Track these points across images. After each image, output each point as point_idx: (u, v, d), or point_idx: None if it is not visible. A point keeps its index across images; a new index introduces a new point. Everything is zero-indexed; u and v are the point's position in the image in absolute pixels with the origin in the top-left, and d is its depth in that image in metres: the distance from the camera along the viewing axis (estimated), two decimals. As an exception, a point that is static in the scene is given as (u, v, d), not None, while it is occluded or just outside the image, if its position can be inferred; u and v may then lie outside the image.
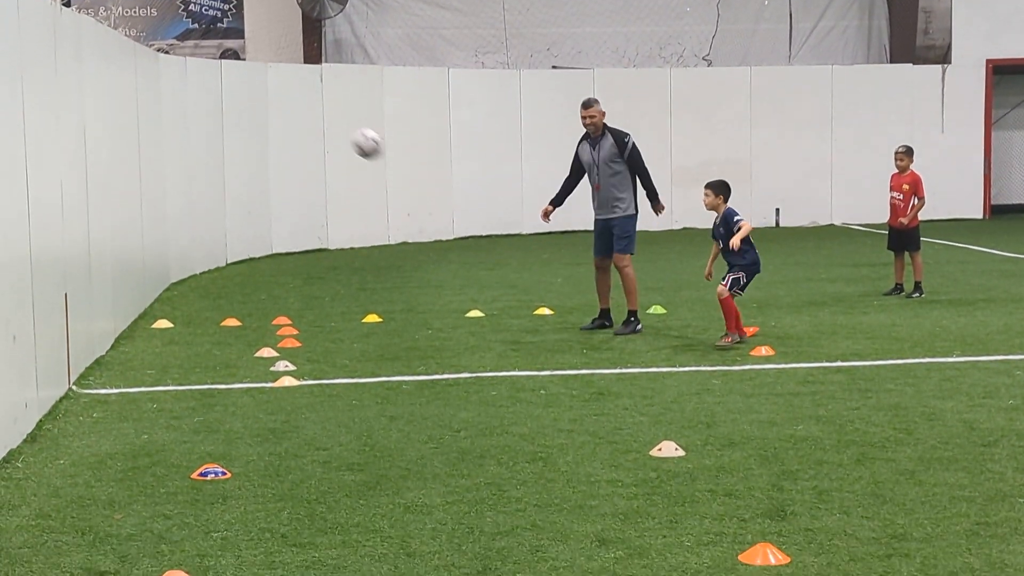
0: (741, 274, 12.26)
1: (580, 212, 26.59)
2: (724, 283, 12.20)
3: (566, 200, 13.85)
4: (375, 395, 10.07)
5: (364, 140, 11.99)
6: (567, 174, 13.74)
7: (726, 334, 12.11)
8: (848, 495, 7.10)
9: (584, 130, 13.45)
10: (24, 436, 8.60)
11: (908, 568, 5.90)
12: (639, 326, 13.14)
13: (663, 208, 13.49)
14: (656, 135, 26.59)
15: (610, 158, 13.20)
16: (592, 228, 13.64)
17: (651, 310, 14.36)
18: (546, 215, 13.85)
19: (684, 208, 25.05)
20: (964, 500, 6.97)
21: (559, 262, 20.67)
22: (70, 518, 6.86)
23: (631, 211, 13.30)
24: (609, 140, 13.26)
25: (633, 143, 13.27)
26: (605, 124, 13.36)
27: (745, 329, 12.44)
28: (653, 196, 13.40)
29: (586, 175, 13.49)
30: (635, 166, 13.26)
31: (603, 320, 13.43)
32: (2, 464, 7.92)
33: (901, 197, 15.78)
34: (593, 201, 13.43)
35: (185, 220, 18.53)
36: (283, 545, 6.36)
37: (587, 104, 13.41)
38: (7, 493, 7.35)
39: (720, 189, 12.48)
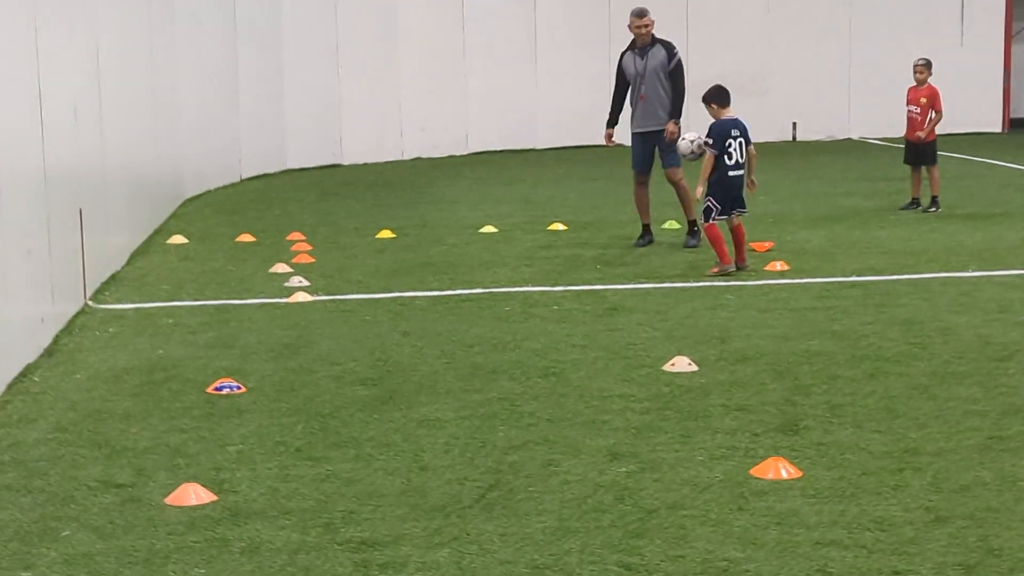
0: (709, 200, 11.52)
1: (592, 126, 26.50)
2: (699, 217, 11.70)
3: (620, 117, 13.58)
4: (388, 311, 10.09)
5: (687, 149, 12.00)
6: (613, 91, 13.51)
7: (716, 263, 11.53)
8: (861, 410, 7.11)
9: (628, 42, 13.31)
10: (41, 351, 8.64)
11: (920, 482, 5.92)
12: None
13: (674, 131, 12.92)
14: (672, 49, 26.38)
15: (659, 68, 13.09)
16: (631, 143, 13.44)
17: (665, 225, 14.32)
18: (609, 139, 13.67)
19: (702, 122, 24.84)
20: (977, 415, 6.98)
21: (573, 177, 20.62)
22: (87, 431, 6.91)
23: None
24: (660, 51, 13.15)
25: (680, 57, 13.20)
26: (654, 34, 13.25)
27: (759, 245, 12.35)
28: (677, 114, 13.11)
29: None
30: (676, 80, 13.11)
31: (650, 236, 13.35)
32: (19, 378, 7.97)
33: (918, 111, 15.67)
34: (634, 113, 13.27)
35: (199, 136, 18.47)
36: (297, 459, 6.40)
37: (641, 13, 13.22)
38: (25, 407, 7.40)
39: (712, 98, 11.87)
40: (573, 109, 25.40)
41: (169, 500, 5.80)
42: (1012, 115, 28.49)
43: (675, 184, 13.17)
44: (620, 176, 19.83)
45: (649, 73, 13.11)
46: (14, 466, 6.35)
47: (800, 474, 6.04)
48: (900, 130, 16.51)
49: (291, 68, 22.10)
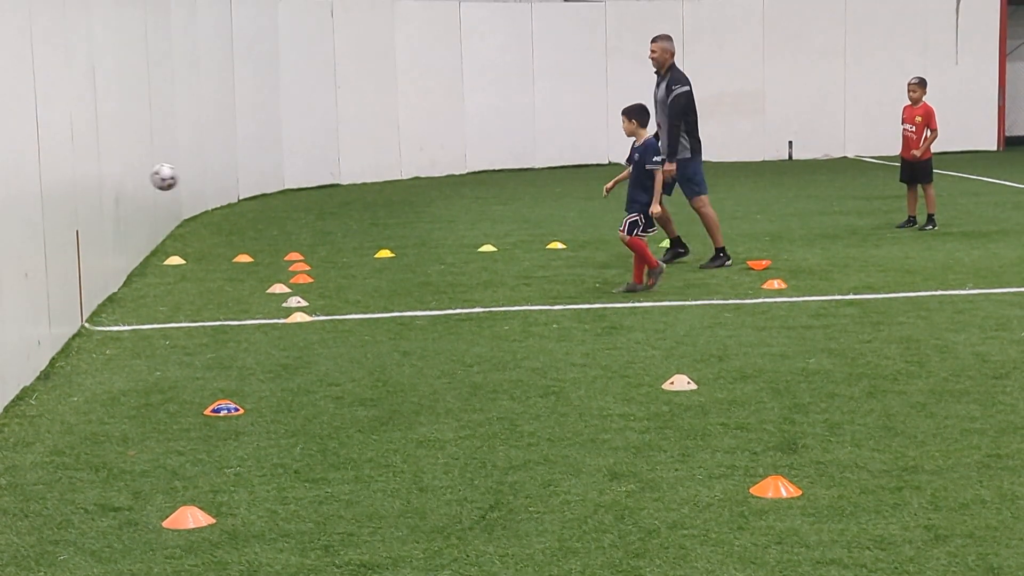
0: (638, 215, 11.58)
1: (593, 146, 26.58)
2: (622, 228, 11.66)
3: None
4: (387, 330, 10.08)
5: (155, 178, 12.11)
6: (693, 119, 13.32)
7: (647, 273, 11.57)
8: (859, 428, 7.11)
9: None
10: (37, 373, 8.63)
11: (919, 500, 5.91)
12: (728, 261, 13.02)
13: (672, 172, 12.72)
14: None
15: (664, 98, 13.04)
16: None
17: (663, 244, 14.32)
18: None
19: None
20: (975, 432, 6.97)
21: (572, 196, 20.63)
22: (84, 455, 6.89)
23: (686, 154, 13.03)
24: (665, 82, 13.05)
25: (680, 92, 12.86)
26: (672, 64, 13.11)
27: (757, 264, 12.38)
28: (670, 152, 12.79)
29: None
30: (671, 113, 12.88)
31: (676, 248, 13.40)
32: (16, 401, 7.96)
33: (913, 129, 15.69)
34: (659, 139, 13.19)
35: (197, 156, 18.48)
36: (296, 481, 6.39)
37: (654, 39, 13.21)
38: (21, 430, 7.39)
39: (635, 114, 11.76)
40: (571, 128, 25.46)
41: (167, 523, 5.78)
42: (1007, 133, 28.54)
43: (698, 211, 13.22)
44: (618, 195, 19.86)
45: (659, 102, 13.16)
46: (11, 490, 6.33)
47: (800, 493, 6.02)
48: (895, 148, 16.53)
49: (289, 88, 22.13)
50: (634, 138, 11.84)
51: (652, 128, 11.99)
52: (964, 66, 27.49)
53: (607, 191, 12.50)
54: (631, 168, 11.84)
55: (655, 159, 11.66)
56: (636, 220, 11.62)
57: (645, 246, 11.63)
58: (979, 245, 13.99)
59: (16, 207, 8.30)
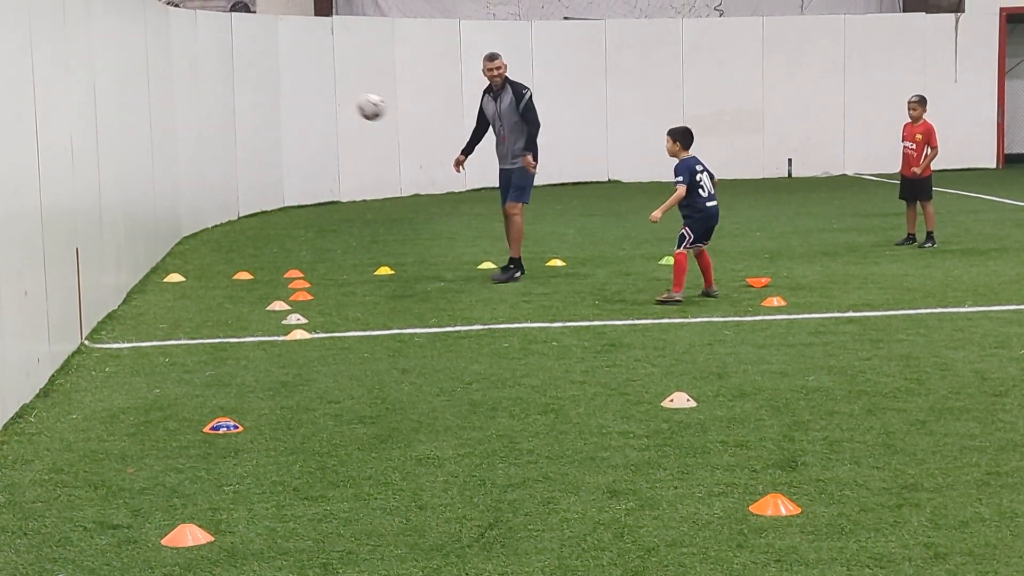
0: (684, 229, 11.98)
1: (593, 163, 26.60)
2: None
3: (475, 149, 14.30)
4: (387, 348, 10.08)
5: (366, 103, 12.19)
6: (474, 126, 14.15)
7: (667, 290, 12.01)
8: (859, 445, 7.10)
9: (486, 84, 13.85)
10: (36, 391, 8.62)
11: (919, 518, 5.91)
12: (518, 274, 13.51)
13: (532, 164, 13.47)
14: (669, 86, 26.53)
15: (511, 109, 13.59)
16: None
17: (663, 261, 14.34)
18: (459, 165, 14.23)
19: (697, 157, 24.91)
20: (975, 450, 6.97)
21: (571, 213, 20.64)
22: (83, 472, 6.89)
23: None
24: (509, 93, 13.65)
25: (530, 96, 13.61)
26: (507, 77, 13.77)
27: (756, 281, 12.39)
28: (529, 147, 13.48)
29: (491, 127, 13.90)
30: (528, 116, 13.55)
31: (519, 270, 13.71)
32: (15, 419, 7.95)
33: (914, 147, 15.70)
34: (497, 152, 13.86)
35: (196, 174, 18.50)
36: (295, 498, 6.38)
37: (493, 57, 13.80)
38: (20, 448, 7.38)
39: (679, 136, 12.19)
40: (571, 145, 25.46)
41: (165, 541, 5.78)
42: (1006, 151, 28.56)
43: (509, 217, 13.73)
44: (618, 212, 19.91)
45: (504, 114, 13.67)
46: (9, 508, 6.32)
47: (799, 511, 6.02)
48: (894, 166, 16.55)
49: (289, 106, 22.14)
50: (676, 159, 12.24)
51: (694, 148, 12.29)
52: (963, 84, 27.51)
53: (653, 219, 12.34)
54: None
55: (676, 178, 12.06)
56: (683, 234, 11.98)
57: (683, 268, 11.86)
58: (978, 263, 13.99)
59: (16, 224, 8.31)
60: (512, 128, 13.59)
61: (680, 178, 12.00)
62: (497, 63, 13.69)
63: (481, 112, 13.98)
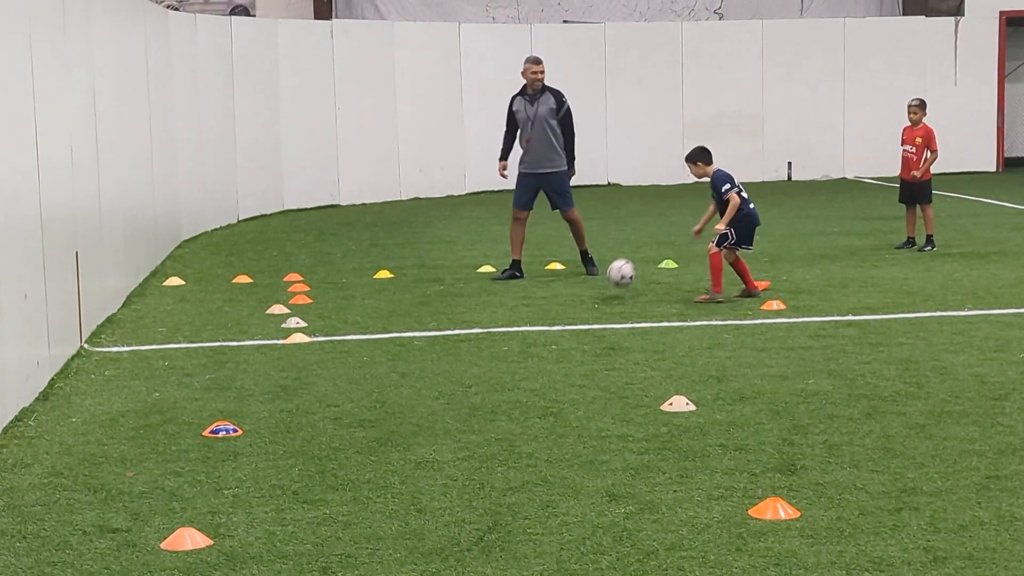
0: (728, 229, 12.08)
1: (593, 166, 26.60)
2: (713, 240, 12.16)
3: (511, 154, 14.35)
4: (386, 351, 10.08)
5: (617, 275, 12.29)
6: (505, 130, 14.28)
7: (707, 291, 12.15)
8: (858, 449, 7.11)
9: (520, 86, 14.06)
10: (36, 394, 8.63)
11: (918, 522, 5.91)
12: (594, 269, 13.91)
13: (574, 174, 13.94)
14: (668, 89, 26.51)
15: (548, 114, 13.74)
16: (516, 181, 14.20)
17: (662, 264, 14.35)
18: (502, 170, 14.39)
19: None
20: (974, 454, 6.97)
21: (571, 217, 20.62)
22: (82, 476, 6.89)
23: (563, 166, 13.94)
24: (550, 98, 13.86)
25: (568, 105, 13.87)
26: (544, 81, 13.96)
27: (756, 284, 12.42)
28: (572, 160, 13.93)
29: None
30: (567, 128, 13.82)
31: (514, 271, 13.87)
32: (15, 423, 7.95)
33: (913, 150, 15.71)
34: (524, 155, 13.95)
35: (196, 177, 18.50)
36: (294, 502, 6.38)
37: (539, 60, 14.03)
38: (20, 451, 7.38)
39: (698, 157, 12.38)
40: (569, 149, 25.42)
41: (165, 545, 5.78)
42: (1006, 154, 28.56)
43: (573, 221, 14.07)
44: (617, 216, 19.89)
45: (538, 119, 13.82)
46: (8, 511, 6.33)
47: (798, 514, 6.02)
48: (894, 169, 16.55)
49: (288, 109, 22.14)
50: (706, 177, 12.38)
51: (716, 163, 12.42)
52: (963, 87, 27.50)
53: (696, 234, 12.71)
54: (715, 204, 12.39)
55: (723, 187, 12.12)
56: (726, 234, 12.08)
57: (719, 268, 11.99)
58: (978, 266, 13.99)
59: (15, 228, 8.31)
60: (543, 133, 13.75)
61: (727, 186, 12.09)
62: (542, 67, 13.90)
63: (512, 115, 14.07)
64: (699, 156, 12.37)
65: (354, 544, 5.77)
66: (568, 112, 13.82)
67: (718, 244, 12.06)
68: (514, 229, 14.07)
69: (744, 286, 12.23)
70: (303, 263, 15.48)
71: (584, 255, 14.07)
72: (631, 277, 12.27)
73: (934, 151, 15.67)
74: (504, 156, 14.29)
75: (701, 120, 26.20)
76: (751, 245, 12.30)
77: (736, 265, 12.20)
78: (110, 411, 8.31)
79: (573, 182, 14.19)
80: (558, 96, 13.85)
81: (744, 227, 12.18)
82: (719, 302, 11.84)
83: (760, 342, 10.13)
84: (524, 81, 14.01)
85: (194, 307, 12.41)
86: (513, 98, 14.13)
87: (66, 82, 10.25)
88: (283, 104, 22.07)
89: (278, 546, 5.77)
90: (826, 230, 17.87)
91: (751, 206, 12.23)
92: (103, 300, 11.62)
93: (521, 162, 14.02)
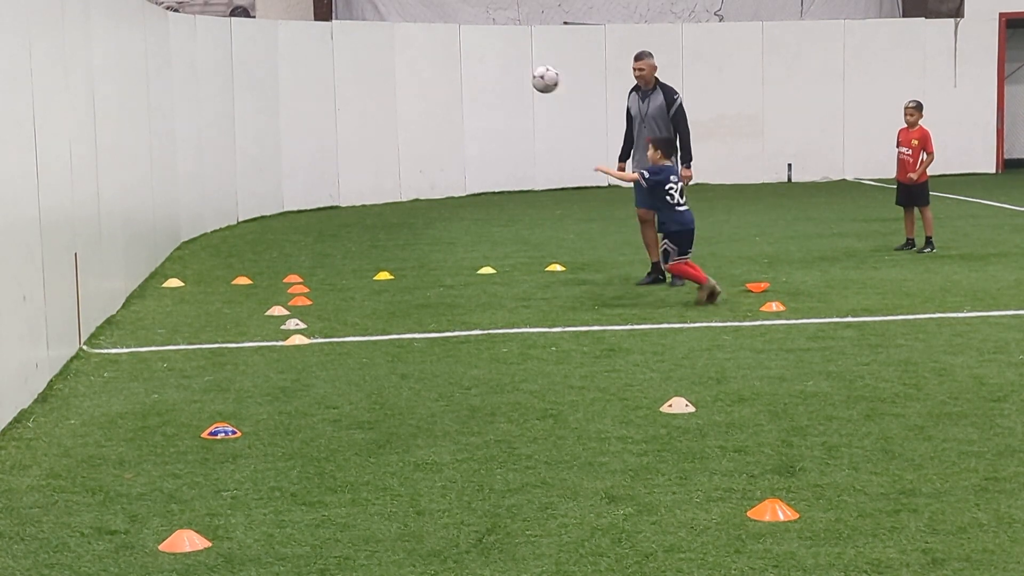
0: (665, 242, 12.28)
1: (590, 168, 26.58)
2: (663, 262, 12.45)
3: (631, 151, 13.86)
4: (386, 353, 10.08)
5: (537, 81, 12.43)
6: (625, 128, 13.80)
7: (697, 290, 12.13)
8: (857, 451, 7.10)
9: (634, 82, 13.63)
10: (35, 396, 8.62)
11: (916, 523, 5.91)
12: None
13: (690, 176, 13.21)
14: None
15: (658, 113, 13.35)
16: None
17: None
18: (621, 171, 13.79)
19: (696, 163, 24.92)
20: (973, 456, 6.97)
21: (571, 218, 20.64)
22: (80, 478, 6.88)
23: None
24: (660, 96, 13.44)
25: (681, 102, 13.48)
26: (656, 78, 13.52)
27: (755, 286, 12.41)
28: (687, 159, 13.39)
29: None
30: (679, 125, 13.41)
31: (657, 274, 13.35)
32: (13, 424, 7.95)
33: (910, 152, 15.70)
34: (636, 153, 13.50)
35: (196, 178, 18.50)
36: (293, 504, 6.38)
37: (638, 56, 13.60)
38: (18, 453, 7.38)
39: (662, 145, 12.57)
40: (571, 150, 25.46)
41: (163, 547, 5.78)
42: (1005, 156, 28.57)
43: (646, 222, 13.57)
44: (618, 217, 19.88)
45: (649, 116, 13.38)
46: (7, 513, 6.32)
47: (797, 516, 6.02)
48: (894, 171, 16.54)
49: (288, 110, 22.15)
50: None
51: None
52: (963, 89, 27.50)
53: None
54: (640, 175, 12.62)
55: (646, 175, 12.42)
56: (666, 249, 12.27)
57: (685, 268, 12.14)
58: (977, 268, 13.99)
59: (14, 229, 8.31)
60: (653, 131, 13.25)
61: (649, 176, 12.31)
62: (641, 63, 13.48)
63: (628, 111, 13.73)
64: (662, 145, 12.57)
65: (353, 546, 5.77)
66: (680, 109, 13.38)
67: (665, 262, 12.34)
68: (644, 232, 13.55)
69: (697, 285, 12.18)
70: (303, 264, 15.48)
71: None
72: (554, 83, 12.62)
73: (930, 153, 15.66)
74: (623, 156, 13.71)
75: (701, 122, 26.09)
76: (690, 251, 12.31)
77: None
78: (109, 413, 8.31)
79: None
80: (669, 93, 13.42)
81: (679, 236, 12.23)
82: (718, 292, 11.90)
83: (759, 344, 10.13)
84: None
85: (193, 309, 12.41)
86: (629, 93, 13.73)
87: (65, 83, 10.25)
88: (283, 105, 22.07)
89: (277, 548, 5.76)
90: (826, 232, 17.87)
91: (680, 209, 12.27)
92: (102, 301, 11.62)
93: (633, 160, 13.59)
